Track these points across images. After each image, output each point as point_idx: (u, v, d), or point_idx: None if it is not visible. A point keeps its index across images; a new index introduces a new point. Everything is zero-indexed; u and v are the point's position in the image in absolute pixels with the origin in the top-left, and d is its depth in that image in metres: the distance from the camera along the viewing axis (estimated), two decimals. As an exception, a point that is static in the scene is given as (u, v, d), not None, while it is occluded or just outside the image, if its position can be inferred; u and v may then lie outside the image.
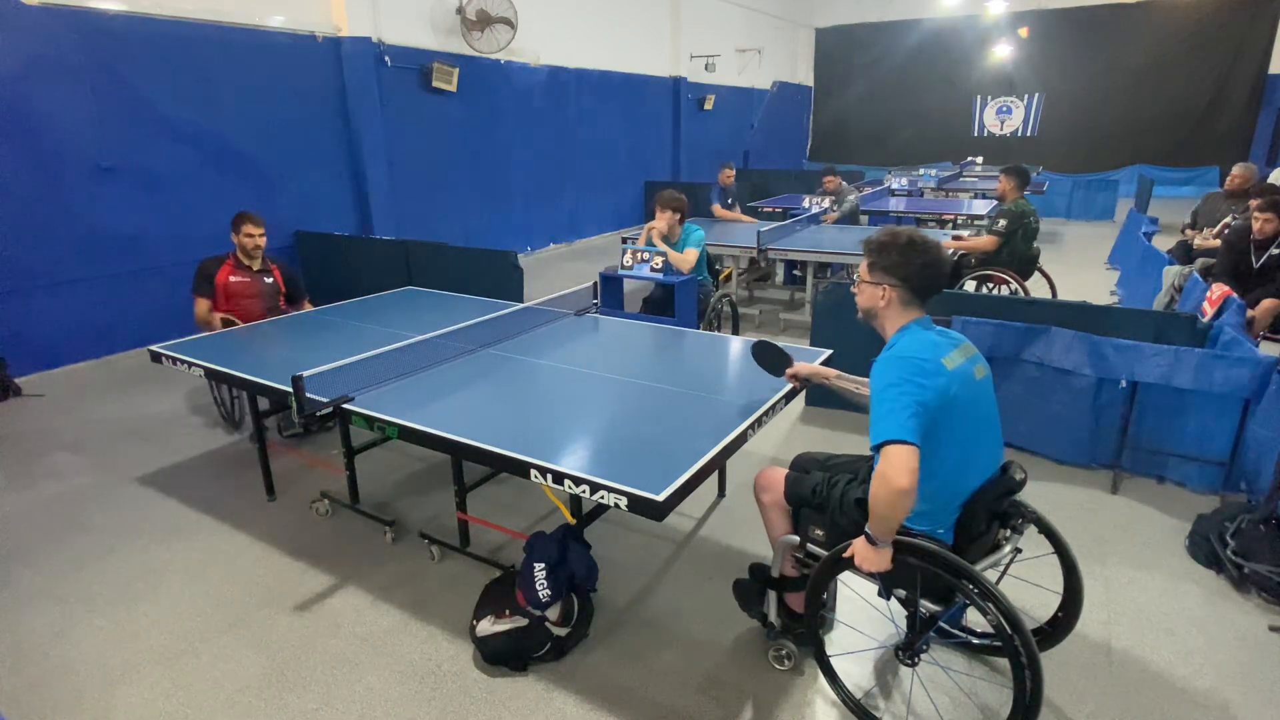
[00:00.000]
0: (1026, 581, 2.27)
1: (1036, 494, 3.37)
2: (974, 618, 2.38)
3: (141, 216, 5.65)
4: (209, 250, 4.29)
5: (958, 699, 2.23)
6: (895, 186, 10.35)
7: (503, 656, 2.38)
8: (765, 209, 8.85)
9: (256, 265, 4.14)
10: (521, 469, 2.11)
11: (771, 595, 2.35)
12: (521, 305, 3.90)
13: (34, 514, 3.41)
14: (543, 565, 2.38)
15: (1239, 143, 13.92)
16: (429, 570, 2.93)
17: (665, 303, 4.79)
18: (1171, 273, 5.37)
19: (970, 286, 5.80)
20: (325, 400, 2.53)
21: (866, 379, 2.32)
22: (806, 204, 7.93)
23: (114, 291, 5.58)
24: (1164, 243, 7.04)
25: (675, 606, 2.70)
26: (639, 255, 4.76)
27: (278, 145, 6.52)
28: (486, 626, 2.41)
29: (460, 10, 7.95)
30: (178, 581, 2.88)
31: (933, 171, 12.31)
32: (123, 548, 3.12)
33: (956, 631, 2.37)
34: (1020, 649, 1.76)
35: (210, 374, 3.12)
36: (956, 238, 5.86)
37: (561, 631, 2.41)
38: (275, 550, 3.09)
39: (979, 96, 16.87)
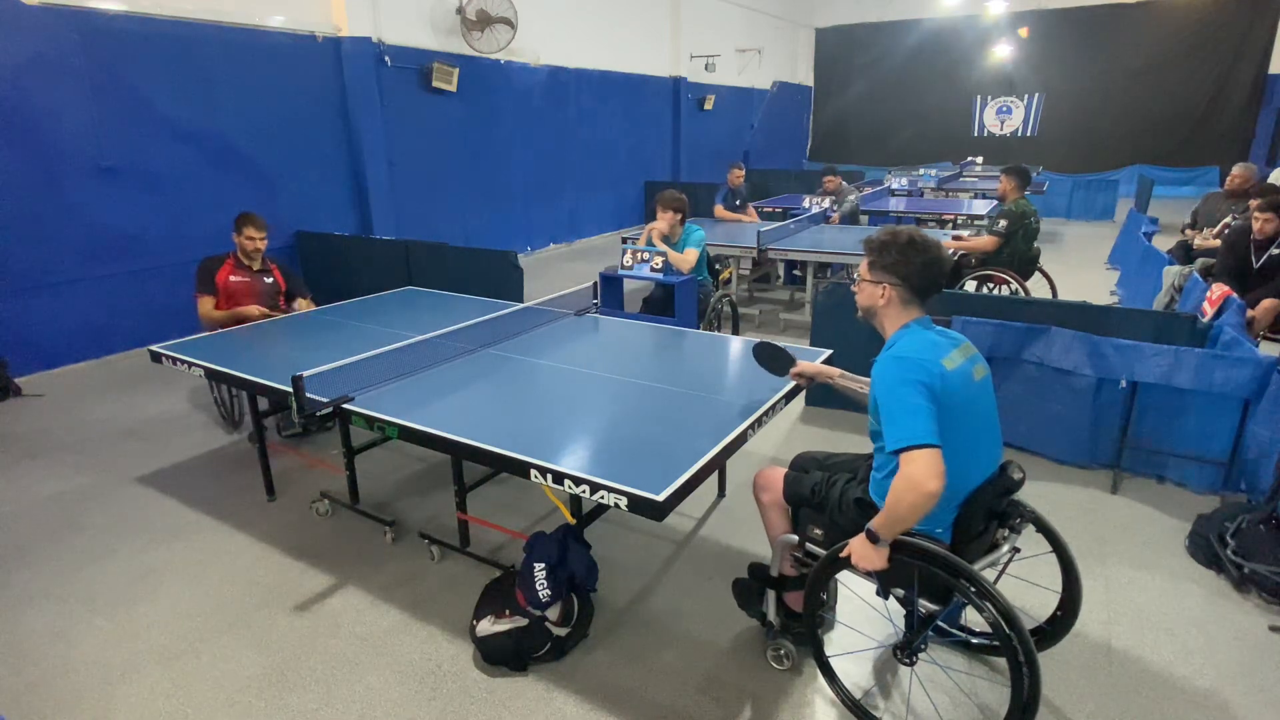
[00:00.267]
0: (1025, 580, 2.27)
1: (1036, 494, 3.37)
2: (972, 617, 2.39)
3: (141, 216, 5.65)
4: (209, 250, 4.29)
5: (956, 698, 2.23)
6: (895, 186, 10.34)
7: (503, 656, 2.38)
8: (765, 209, 8.84)
9: (256, 265, 4.14)
10: (521, 469, 2.11)
11: (770, 594, 2.35)
12: (521, 305, 3.90)
13: (34, 514, 3.41)
14: (543, 565, 2.38)
15: (1239, 143, 13.93)
16: (429, 570, 2.93)
17: (665, 303, 4.80)
18: (1171, 273, 5.37)
19: (970, 286, 5.79)
20: (325, 400, 2.53)
21: (868, 378, 2.33)
22: (807, 204, 7.92)
23: (114, 291, 5.58)
24: (1164, 243, 7.03)
25: (675, 606, 2.70)
26: (639, 255, 4.76)
27: (278, 145, 6.52)
28: (486, 626, 2.41)
29: (460, 10, 7.95)
30: (178, 581, 2.88)
31: (933, 171, 12.31)
32: (123, 548, 3.12)
33: (954, 631, 2.37)
34: (1018, 648, 1.76)
35: (210, 374, 3.12)
36: (957, 238, 5.86)
37: (561, 631, 2.41)
38: (275, 550, 3.09)
39: (979, 96, 16.87)
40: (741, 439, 2.29)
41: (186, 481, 3.70)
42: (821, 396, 4.40)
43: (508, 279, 5.10)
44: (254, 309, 3.96)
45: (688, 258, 4.68)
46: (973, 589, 1.81)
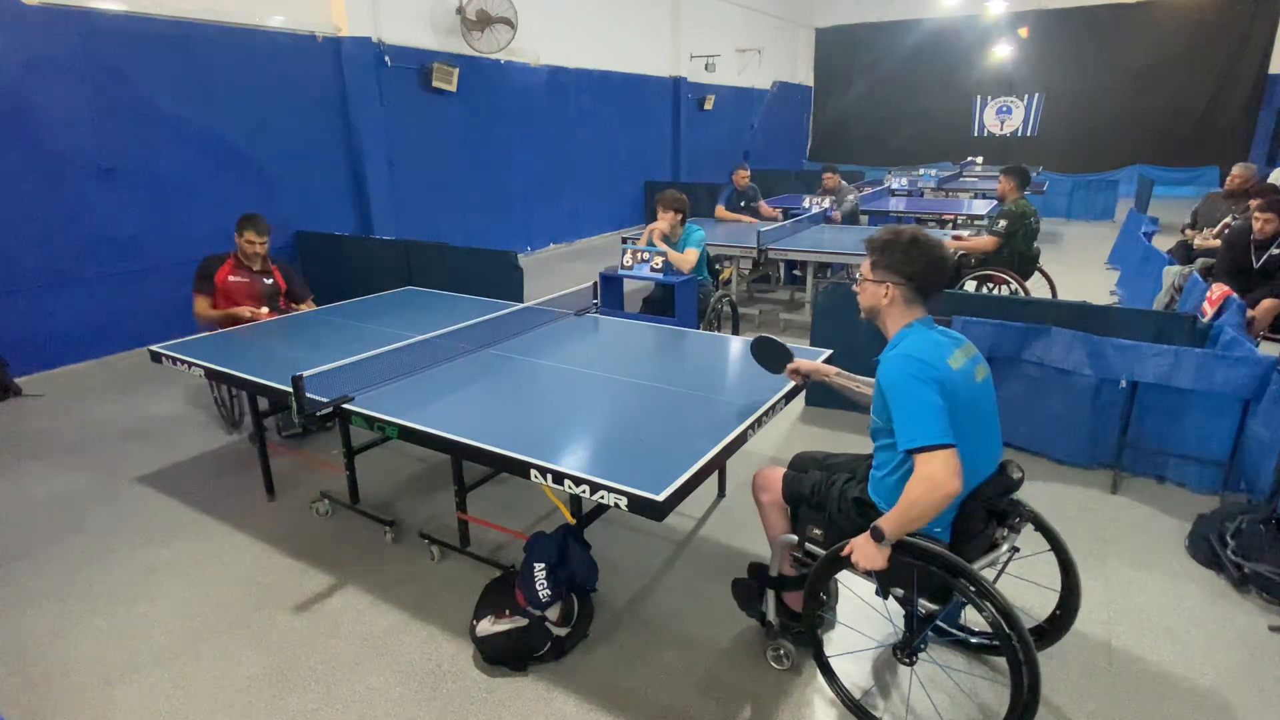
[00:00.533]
0: (1024, 580, 2.27)
1: (1036, 494, 3.37)
2: (971, 616, 2.39)
3: (141, 216, 5.65)
4: (209, 250, 4.28)
5: (956, 697, 2.23)
6: (895, 186, 10.34)
7: (503, 656, 2.38)
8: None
9: (257, 266, 4.14)
10: (521, 469, 2.11)
11: (770, 594, 2.35)
12: (521, 305, 3.90)
13: (34, 514, 3.41)
14: (543, 565, 2.38)
15: (1239, 143, 13.92)
16: (429, 570, 2.93)
17: (665, 303, 4.80)
18: (1171, 273, 5.38)
19: (970, 286, 5.80)
20: (325, 400, 2.53)
21: (866, 378, 2.33)
22: (807, 204, 7.92)
23: (114, 291, 5.58)
24: (1164, 243, 7.03)
25: (675, 606, 2.70)
26: (639, 255, 4.76)
27: (278, 145, 6.52)
28: (486, 626, 2.41)
29: (460, 10, 7.95)
30: (178, 581, 2.88)
31: (933, 171, 12.31)
32: (123, 548, 3.12)
33: (954, 630, 2.37)
34: (1017, 648, 1.76)
35: (210, 374, 3.12)
36: (956, 238, 5.86)
37: (561, 631, 2.41)
38: (275, 550, 3.09)
39: (979, 96, 16.87)
40: (741, 439, 2.29)
41: (186, 481, 3.70)
42: (821, 397, 4.41)
43: (508, 279, 5.10)
44: (244, 310, 3.95)
45: (688, 258, 4.68)
46: (973, 588, 1.81)
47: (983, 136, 16.98)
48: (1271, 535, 2.78)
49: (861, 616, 2.55)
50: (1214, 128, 14.45)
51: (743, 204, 7.53)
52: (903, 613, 2.05)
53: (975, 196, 9.96)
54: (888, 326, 2.04)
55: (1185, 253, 6.16)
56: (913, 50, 16.99)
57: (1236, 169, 6.52)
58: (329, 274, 6.23)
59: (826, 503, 2.13)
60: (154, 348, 3.31)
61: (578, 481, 2.00)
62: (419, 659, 2.44)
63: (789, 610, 2.38)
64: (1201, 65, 14.30)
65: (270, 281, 4.17)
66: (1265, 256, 4.66)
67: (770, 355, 2.61)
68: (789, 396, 2.64)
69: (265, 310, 4.00)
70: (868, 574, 1.89)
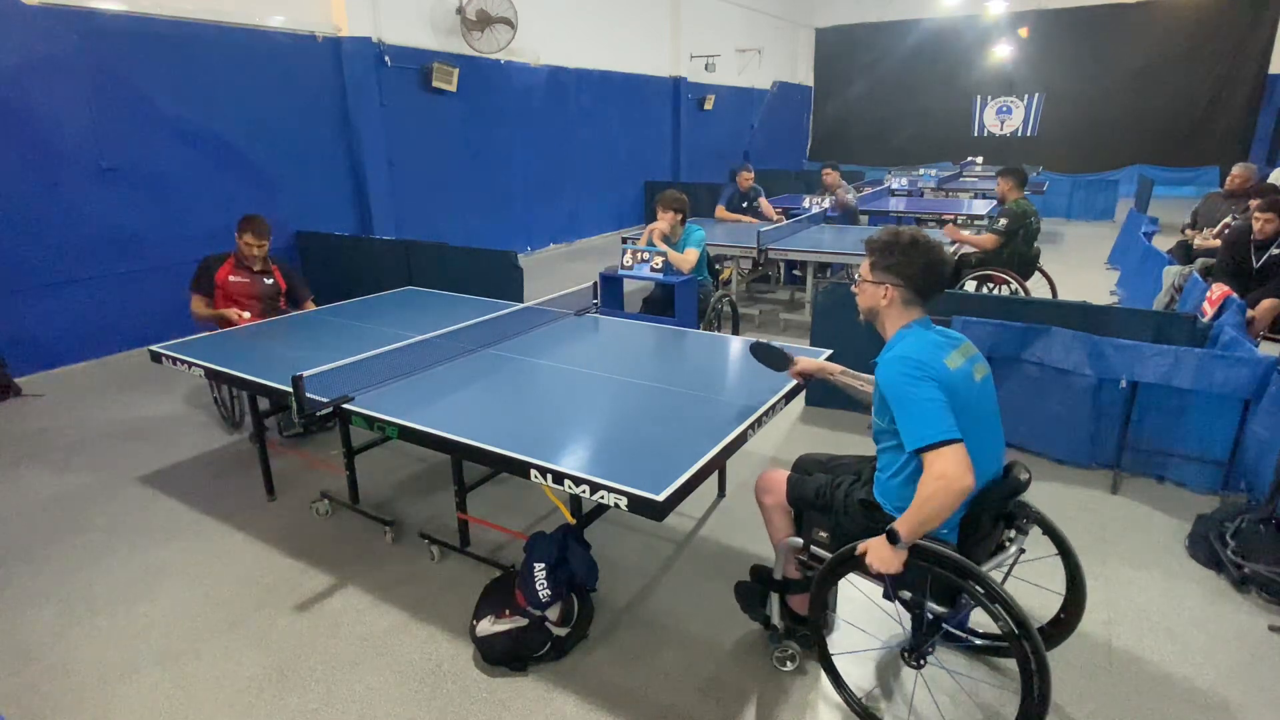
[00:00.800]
0: (1026, 581, 2.27)
1: (1037, 494, 3.36)
2: (977, 618, 2.38)
3: (141, 216, 5.65)
4: (209, 250, 4.29)
5: (961, 701, 2.23)
6: (895, 186, 10.34)
7: (503, 656, 2.38)
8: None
9: (257, 266, 4.14)
10: (521, 469, 2.11)
11: (774, 597, 2.34)
12: (521, 305, 3.90)
13: (34, 514, 3.41)
14: (543, 565, 2.38)
15: (1239, 143, 13.93)
16: (429, 570, 2.93)
17: (665, 303, 4.80)
18: (1171, 273, 5.38)
19: (971, 287, 5.80)
20: (325, 400, 2.53)
21: (870, 376, 2.32)
22: (807, 204, 7.92)
23: (114, 291, 5.58)
24: (1164, 243, 7.03)
25: (675, 606, 2.70)
26: (639, 255, 4.76)
27: (278, 145, 6.52)
28: (486, 626, 2.41)
29: (460, 10, 7.95)
30: (178, 581, 2.88)
31: (933, 171, 12.31)
32: (123, 548, 3.12)
33: (963, 635, 2.35)
34: (1030, 654, 1.74)
35: (210, 374, 3.12)
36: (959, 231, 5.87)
37: (561, 631, 2.41)
38: (275, 550, 3.09)
39: (979, 96, 16.88)
40: (741, 439, 2.29)
41: (186, 481, 3.70)
42: (821, 396, 4.40)
43: (508, 279, 5.10)
44: (231, 312, 3.95)
45: (688, 258, 4.68)
46: (983, 592, 1.79)
47: (983, 136, 16.98)
48: (1271, 535, 2.78)
49: (866, 618, 2.54)
50: (1214, 128, 14.46)
51: (744, 205, 7.52)
52: (909, 615, 2.03)
53: (975, 196, 9.96)
54: (886, 328, 2.03)
55: (1185, 253, 6.16)
56: (913, 50, 16.99)
57: (1236, 169, 6.52)
58: (329, 274, 6.23)
59: (832, 505, 2.12)
60: (154, 348, 3.31)
61: (578, 481, 2.00)
62: (419, 659, 2.44)
63: (793, 613, 2.38)
64: (1201, 65, 14.31)
65: (270, 281, 4.17)
66: (1265, 256, 4.66)
67: (769, 359, 2.60)
68: (789, 396, 2.64)
69: (247, 315, 3.98)
70: (879, 577, 1.88)
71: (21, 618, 2.69)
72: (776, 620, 2.36)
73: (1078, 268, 8.22)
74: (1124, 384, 3.41)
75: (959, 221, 7.69)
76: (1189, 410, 3.36)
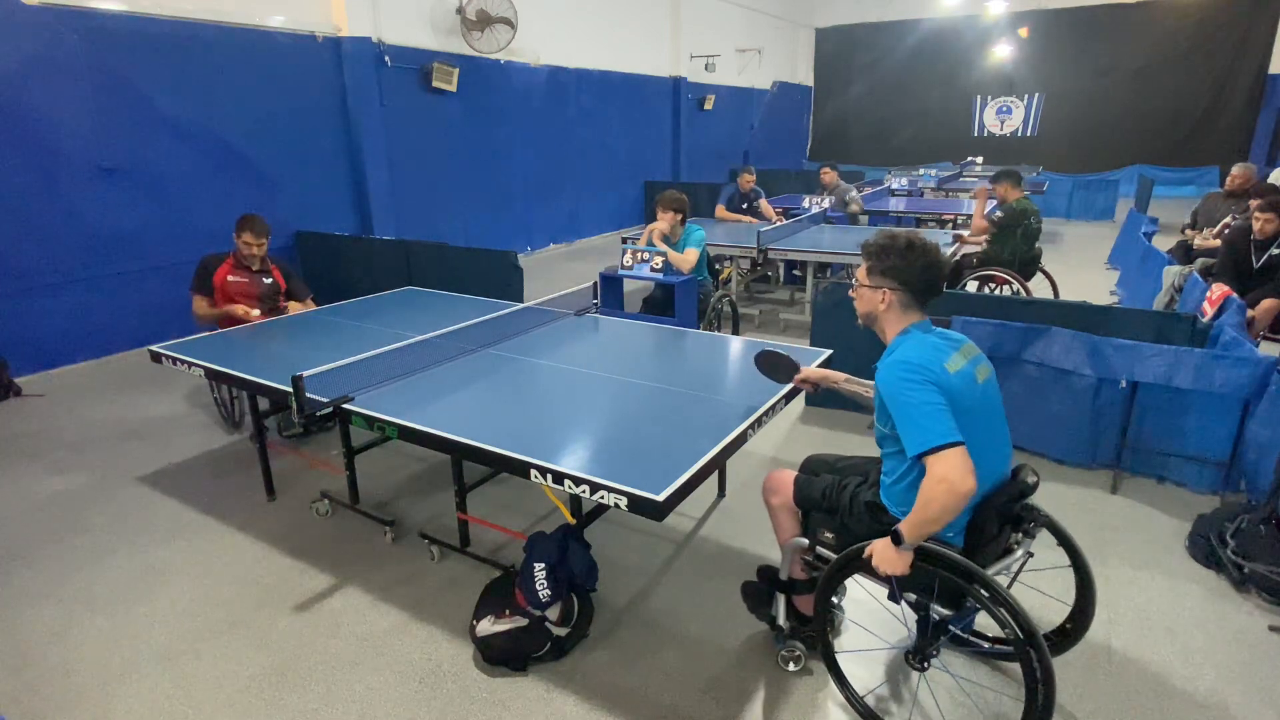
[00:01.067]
0: (1031, 587, 2.26)
1: (1037, 494, 3.36)
2: (983, 621, 2.37)
3: (141, 216, 5.65)
4: (209, 250, 4.28)
5: (965, 704, 2.23)
6: (895, 186, 10.35)
7: (503, 656, 2.38)
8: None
9: (256, 266, 4.14)
10: (521, 469, 2.11)
11: (780, 598, 2.34)
12: (521, 305, 3.90)
13: (34, 514, 3.41)
14: (543, 565, 2.38)
15: (1239, 143, 13.93)
16: (429, 570, 2.93)
17: (665, 303, 4.80)
18: (1171, 273, 5.38)
19: (972, 287, 5.80)
20: (325, 400, 2.53)
21: (873, 382, 2.31)
22: (806, 204, 7.92)
23: (114, 291, 5.58)
24: (1164, 243, 7.03)
25: (675, 606, 2.70)
26: (639, 255, 4.76)
27: (278, 145, 6.52)
28: (486, 626, 2.41)
29: (460, 10, 7.95)
30: (178, 581, 2.88)
31: (933, 171, 12.31)
32: (123, 548, 3.12)
33: (969, 638, 2.34)
34: (1035, 661, 1.73)
35: (210, 374, 3.12)
36: (958, 237, 5.88)
37: (561, 631, 2.41)
38: (275, 550, 3.09)
39: (979, 96, 16.87)
40: (741, 439, 2.29)
41: (187, 481, 3.70)
42: (821, 397, 4.39)
43: (508, 279, 5.10)
44: (238, 307, 3.95)
45: (688, 258, 4.68)
46: (988, 595, 1.78)
47: (983, 136, 16.98)
48: (1271, 535, 2.77)
49: (872, 620, 2.54)
50: (1214, 128, 14.46)
51: (744, 205, 7.52)
52: (915, 618, 2.02)
53: (975, 197, 9.93)
54: (885, 332, 2.02)
55: (1185, 253, 6.16)
56: (913, 50, 17.00)
57: (1236, 169, 6.52)
58: (329, 274, 6.23)
59: (838, 506, 2.11)
60: (154, 348, 3.32)
61: (578, 481, 2.00)
62: (419, 659, 2.44)
63: (798, 613, 2.37)
64: (1201, 65, 14.31)
65: (269, 281, 4.17)
66: (1265, 256, 4.66)
67: (775, 367, 2.55)
68: (789, 397, 2.64)
69: (256, 313, 3.99)
70: (884, 579, 1.87)
71: (21, 618, 2.69)
72: (782, 620, 2.36)
73: (1078, 268, 8.22)
74: (1124, 384, 3.41)
75: (958, 222, 7.70)
76: (1189, 410, 3.36)
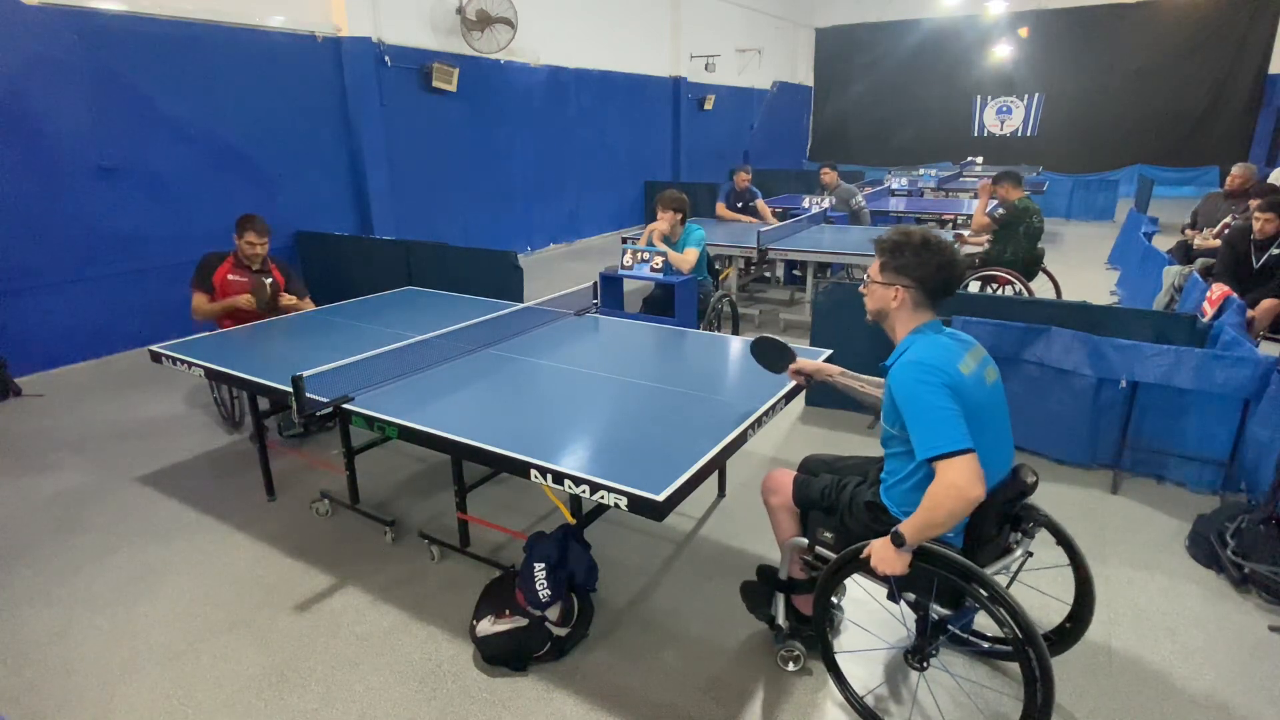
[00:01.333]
0: (1030, 587, 2.27)
1: (1037, 494, 3.36)
2: (983, 621, 2.37)
3: (141, 216, 5.65)
4: (209, 250, 4.28)
5: (965, 704, 2.23)
6: (895, 186, 10.35)
7: (503, 656, 2.38)
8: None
9: (256, 266, 4.14)
10: (521, 469, 2.11)
11: (779, 597, 2.34)
12: (521, 305, 3.90)
13: (34, 514, 3.40)
14: (543, 565, 2.38)
15: (1239, 143, 13.92)
16: (429, 570, 2.93)
17: (665, 303, 4.80)
18: (1171, 273, 5.38)
19: (974, 287, 5.80)
20: (325, 400, 2.53)
21: (871, 377, 2.31)
22: (806, 204, 7.92)
23: (114, 291, 5.58)
24: (1164, 243, 7.04)
25: (675, 606, 2.70)
26: (639, 255, 4.76)
27: (278, 145, 6.52)
28: (486, 626, 2.41)
29: (460, 10, 7.95)
30: (178, 581, 2.88)
31: (933, 171, 12.32)
32: (123, 548, 3.12)
33: (968, 637, 2.34)
34: (1034, 661, 1.73)
35: (210, 374, 3.12)
36: (958, 236, 5.88)
37: (561, 631, 2.41)
38: (275, 550, 3.09)
39: (979, 96, 16.87)
40: (741, 439, 2.29)
41: (186, 481, 3.70)
42: (821, 397, 4.40)
43: (508, 279, 5.10)
44: (242, 297, 3.95)
45: (688, 258, 4.68)
46: (986, 595, 1.78)
47: (983, 136, 16.98)
48: (1271, 535, 2.77)
49: (872, 620, 2.54)
50: (1214, 128, 14.45)
51: (740, 205, 7.54)
52: (914, 617, 2.02)
53: (975, 196, 9.94)
54: (895, 330, 1.99)
55: (1185, 253, 6.16)
56: (913, 50, 16.99)
57: (1236, 169, 6.53)
58: (329, 274, 6.24)
59: (838, 506, 2.11)
60: (154, 348, 3.31)
61: (578, 481, 2.00)
62: (419, 659, 2.44)
63: (798, 613, 2.37)
64: (1201, 65, 14.30)
65: (270, 281, 4.17)
66: (1265, 256, 4.66)
67: (771, 355, 2.54)
68: (789, 397, 2.63)
69: (248, 297, 3.98)
70: (883, 578, 1.87)
71: (21, 617, 2.69)
72: (781, 620, 2.36)
73: (1078, 268, 8.22)
74: (1124, 384, 3.41)
75: (959, 222, 7.70)
76: (1189, 410, 3.36)
